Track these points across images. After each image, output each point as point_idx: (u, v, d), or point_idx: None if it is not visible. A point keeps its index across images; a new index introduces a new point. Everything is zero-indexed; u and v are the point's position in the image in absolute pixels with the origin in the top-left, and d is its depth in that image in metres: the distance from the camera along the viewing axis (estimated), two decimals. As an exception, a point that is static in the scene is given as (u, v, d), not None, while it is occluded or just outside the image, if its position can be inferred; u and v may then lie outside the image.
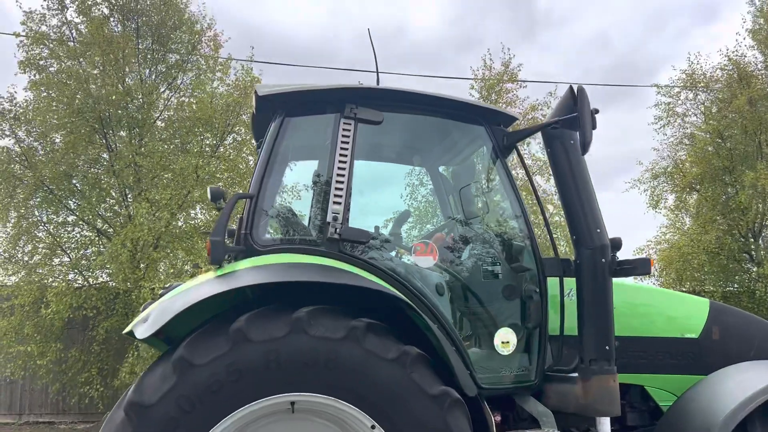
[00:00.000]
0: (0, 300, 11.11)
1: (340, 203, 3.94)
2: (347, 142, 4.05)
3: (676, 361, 4.75)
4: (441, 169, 5.55)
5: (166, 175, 10.97)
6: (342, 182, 3.97)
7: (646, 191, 17.51)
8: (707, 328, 4.84)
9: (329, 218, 3.91)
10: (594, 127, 3.88)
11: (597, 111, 3.93)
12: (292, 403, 3.42)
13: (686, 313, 4.90)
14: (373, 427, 3.35)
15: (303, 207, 4.56)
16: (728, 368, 4.34)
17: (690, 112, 16.93)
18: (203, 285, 3.44)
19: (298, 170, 4.69)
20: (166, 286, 4.04)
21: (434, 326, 3.66)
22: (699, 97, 16.72)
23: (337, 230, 3.90)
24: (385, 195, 5.47)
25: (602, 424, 4.53)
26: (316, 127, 4.29)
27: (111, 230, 11.12)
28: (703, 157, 15.99)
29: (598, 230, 4.07)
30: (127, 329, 3.52)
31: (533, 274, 4.28)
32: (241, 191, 4.30)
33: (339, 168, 4.00)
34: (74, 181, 11.24)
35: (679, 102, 16.90)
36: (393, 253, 4.26)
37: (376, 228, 4.35)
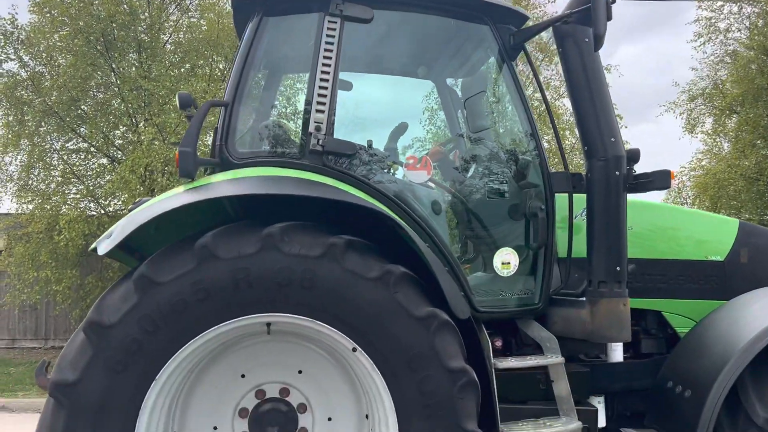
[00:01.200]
0: (17, 227, 11.20)
1: (323, 111, 3.57)
2: (332, 43, 3.63)
3: (698, 285, 4.39)
4: (449, 81, 5.10)
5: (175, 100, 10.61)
6: (326, 88, 3.58)
7: (683, 115, 16.59)
8: (734, 250, 4.44)
9: (311, 128, 3.55)
10: (609, 18, 3.38)
11: (614, 0, 3.42)
12: (268, 325, 3.19)
13: (712, 235, 4.49)
14: (354, 349, 3.10)
15: (284, 116, 4.19)
16: (752, 292, 3.96)
17: (733, 27, 15.75)
18: (170, 198, 3.16)
19: (279, 76, 4.30)
20: (136, 201, 3.78)
21: (425, 245, 3.33)
22: (744, 10, 15.49)
23: (320, 141, 3.54)
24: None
25: (613, 351, 4.25)
26: (298, 28, 3.86)
27: (124, 158, 10.95)
28: (746, 76, 14.94)
29: (612, 139, 3.64)
30: (92, 246, 3.29)
31: (539, 190, 3.89)
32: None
33: (323, 72, 3.60)
34: (83, 107, 11.01)
35: (722, 16, 15.71)
36: (384, 168, 3.91)
37: (369, 142, 3.98)
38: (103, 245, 3.08)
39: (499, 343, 3.98)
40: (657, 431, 3.84)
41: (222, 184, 3.27)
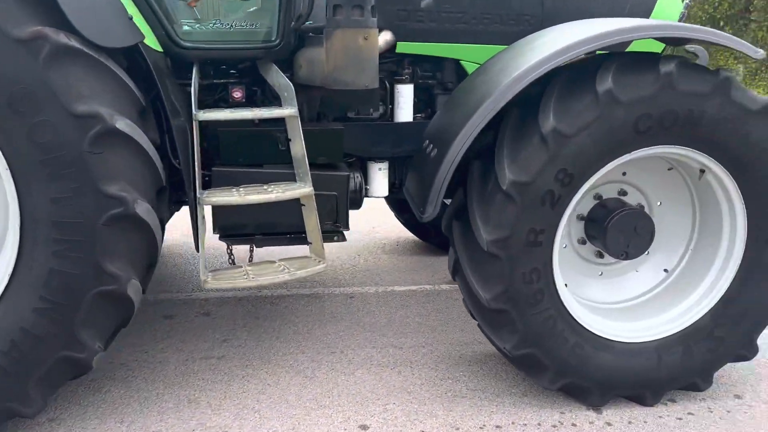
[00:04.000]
0: None
1: None
2: None
3: (507, 26, 3.50)
4: None
5: None
6: None
7: None
8: (561, -21, 3.49)
9: None
10: None
11: None
12: None
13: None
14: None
15: None
16: (548, 29, 3.11)
17: None
18: None
19: None
20: None
21: None
22: None
23: None
24: None
25: (401, 109, 3.52)
26: None
27: None
28: None
29: None
30: None
31: None
32: None
33: None
34: None
35: None
36: None
37: None
38: None
39: (238, 94, 3.15)
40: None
41: None
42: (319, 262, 3.00)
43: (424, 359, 3.41)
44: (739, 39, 2.71)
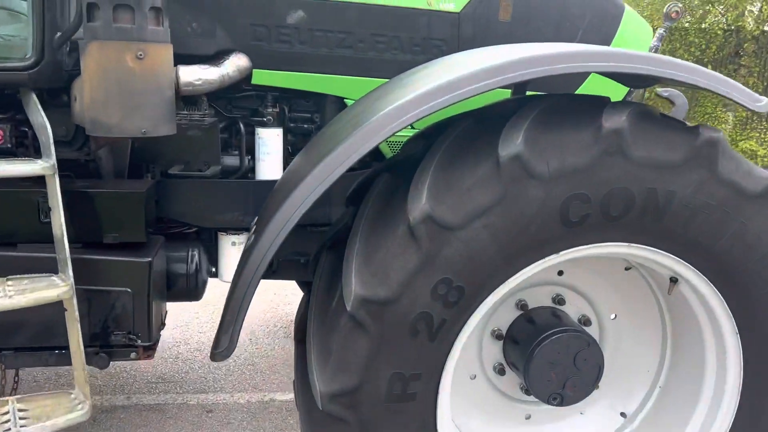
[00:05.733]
0: None
1: None
2: None
3: (410, 55, 2.53)
4: None
5: None
6: None
7: None
8: (486, -4, 2.52)
9: None
10: None
11: None
12: None
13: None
14: None
15: None
16: (457, 54, 2.13)
17: None
18: None
19: None
20: None
21: None
22: None
23: None
24: None
25: (263, 161, 2.52)
26: None
27: None
28: None
29: None
30: None
31: None
32: None
33: None
34: None
35: None
36: None
37: None
38: None
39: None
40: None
41: None
42: (79, 404, 1.92)
43: None
44: (732, 81, 1.71)
